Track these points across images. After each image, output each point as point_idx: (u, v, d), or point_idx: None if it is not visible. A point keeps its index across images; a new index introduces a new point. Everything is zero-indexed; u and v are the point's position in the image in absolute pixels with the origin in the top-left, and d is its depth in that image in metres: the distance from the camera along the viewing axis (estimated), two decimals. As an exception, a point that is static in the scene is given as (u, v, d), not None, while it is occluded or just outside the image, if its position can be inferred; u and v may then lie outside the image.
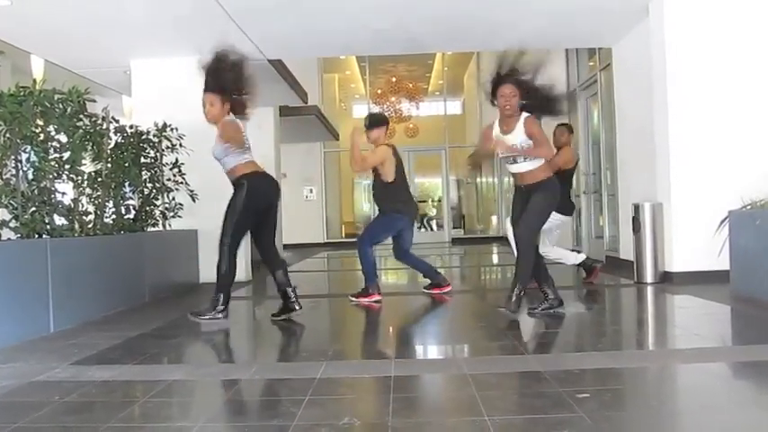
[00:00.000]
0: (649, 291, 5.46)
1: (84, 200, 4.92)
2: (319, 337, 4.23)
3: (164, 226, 6.21)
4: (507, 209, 5.48)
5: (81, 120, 4.73)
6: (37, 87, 4.27)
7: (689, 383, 2.76)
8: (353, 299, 5.22)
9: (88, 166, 5.09)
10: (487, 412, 2.22)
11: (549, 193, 4.20)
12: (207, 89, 4.22)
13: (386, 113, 13.79)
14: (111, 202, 5.35)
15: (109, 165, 5.28)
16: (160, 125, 6.14)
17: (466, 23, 6.65)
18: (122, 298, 5.07)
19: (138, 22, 6.20)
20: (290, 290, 4.44)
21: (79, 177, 4.81)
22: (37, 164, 4.31)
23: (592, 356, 3.15)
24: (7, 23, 5.99)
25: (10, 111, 4.02)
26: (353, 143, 5.19)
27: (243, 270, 6.96)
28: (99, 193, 5.14)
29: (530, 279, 4.25)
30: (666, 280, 5.67)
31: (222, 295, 4.22)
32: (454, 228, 18.00)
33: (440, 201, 17.99)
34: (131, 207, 5.76)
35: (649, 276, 5.73)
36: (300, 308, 4.44)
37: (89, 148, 5.01)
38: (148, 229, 6.00)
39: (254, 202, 4.23)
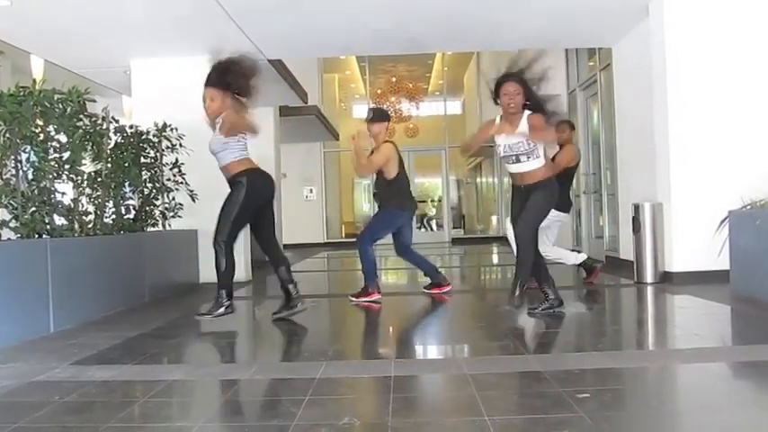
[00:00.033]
0: (649, 291, 5.46)
1: (84, 200, 4.92)
2: (319, 337, 4.23)
3: (164, 226, 6.21)
4: (507, 209, 5.48)
5: (81, 120, 4.73)
6: (37, 87, 4.27)
7: (689, 383, 2.76)
8: (353, 299, 5.22)
9: (88, 166, 5.09)
10: (487, 412, 2.21)
11: (548, 192, 4.21)
12: (208, 84, 4.22)
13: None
14: (110, 202, 5.35)
15: (109, 165, 5.28)
16: (160, 125, 6.14)
17: (466, 23, 6.65)
18: (122, 298, 5.07)
19: (138, 22, 6.20)
20: (291, 286, 4.45)
21: (79, 177, 4.81)
22: (37, 164, 4.31)
23: (592, 356, 3.15)
24: (7, 23, 5.99)
25: (10, 111, 4.02)
26: (357, 149, 5.22)
27: (243, 270, 6.97)
28: (99, 193, 5.14)
29: (530, 274, 4.25)
30: (666, 280, 5.67)
31: (224, 291, 4.22)
32: (454, 228, 18.01)
33: (440, 201, 18.00)
34: (131, 207, 5.77)
35: (649, 276, 5.73)
36: (303, 305, 4.45)
37: (89, 148, 5.01)
38: (148, 229, 6.00)
39: (253, 198, 4.23)
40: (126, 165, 5.53)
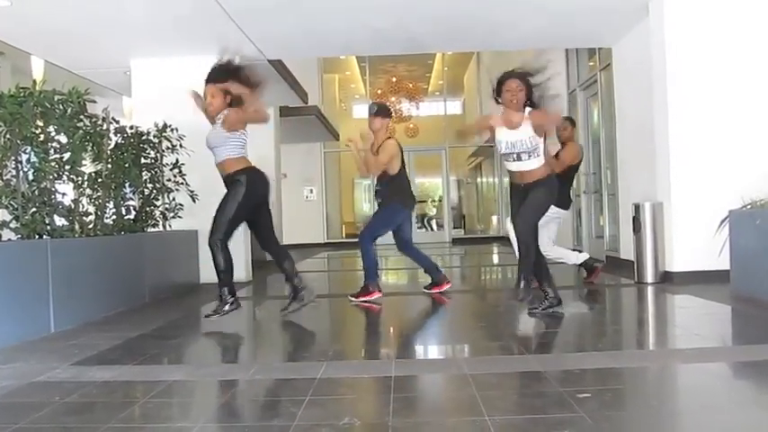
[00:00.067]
0: (650, 291, 5.46)
1: (84, 200, 4.92)
2: (320, 338, 4.23)
3: (164, 226, 6.21)
4: (507, 209, 5.49)
5: (81, 120, 4.73)
6: (37, 88, 4.28)
7: (689, 383, 2.76)
8: (353, 299, 5.23)
9: (88, 167, 5.09)
10: (488, 412, 2.22)
11: (547, 189, 4.22)
12: (209, 80, 4.24)
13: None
14: (111, 202, 5.35)
15: (109, 165, 5.28)
16: (160, 126, 6.14)
17: (466, 23, 6.65)
18: (122, 298, 5.07)
19: (138, 22, 6.21)
20: (296, 280, 4.49)
21: (79, 178, 4.81)
22: (37, 165, 4.31)
23: (592, 356, 3.15)
24: (7, 24, 5.99)
25: (10, 112, 4.02)
26: (363, 149, 5.26)
27: (243, 270, 6.97)
28: (99, 194, 5.14)
29: (532, 268, 4.26)
30: (667, 280, 5.67)
31: (227, 288, 4.24)
32: (454, 228, 18.01)
33: (440, 201, 18.00)
34: (131, 208, 5.76)
35: (650, 276, 5.73)
36: (312, 296, 4.50)
37: (89, 148, 5.01)
38: (149, 230, 6.00)
39: (252, 197, 4.25)
40: (126, 165, 5.53)
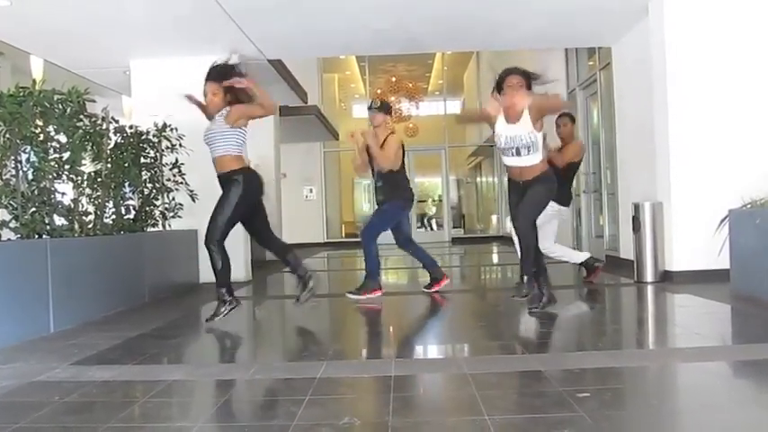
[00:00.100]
0: (649, 290, 5.46)
1: (83, 200, 4.92)
2: (319, 337, 4.23)
3: (163, 226, 6.21)
4: (507, 208, 5.49)
5: (81, 120, 4.73)
6: (36, 88, 4.27)
7: (689, 382, 2.76)
8: (352, 296, 5.23)
9: (88, 167, 5.09)
10: (488, 412, 2.21)
11: (546, 185, 4.22)
12: (209, 78, 4.25)
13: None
14: (110, 202, 5.35)
15: (109, 165, 5.28)
16: (160, 125, 6.14)
17: (466, 23, 6.65)
18: (122, 298, 5.07)
19: (138, 22, 6.20)
20: (300, 270, 4.54)
21: (79, 178, 4.81)
22: (37, 164, 4.31)
23: (592, 355, 3.15)
24: (7, 23, 5.99)
25: (10, 111, 4.02)
26: (370, 144, 5.28)
27: (242, 270, 6.97)
28: (99, 194, 5.14)
29: (533, 264, 4.26)
30: (666, 279, 5.67)
31: (224, 289, 4.25)
32: (454, 227, 18.02)
33: (440, 200, 18.00)
34: (131, 207, 5.76)
35: (649, 275, 5.73)
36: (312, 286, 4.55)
37: (89, 148, 5.01)
38: (148, 230, 6.00)
39: (249, 197, 4.27)
40: (126, 165, 5.53)
